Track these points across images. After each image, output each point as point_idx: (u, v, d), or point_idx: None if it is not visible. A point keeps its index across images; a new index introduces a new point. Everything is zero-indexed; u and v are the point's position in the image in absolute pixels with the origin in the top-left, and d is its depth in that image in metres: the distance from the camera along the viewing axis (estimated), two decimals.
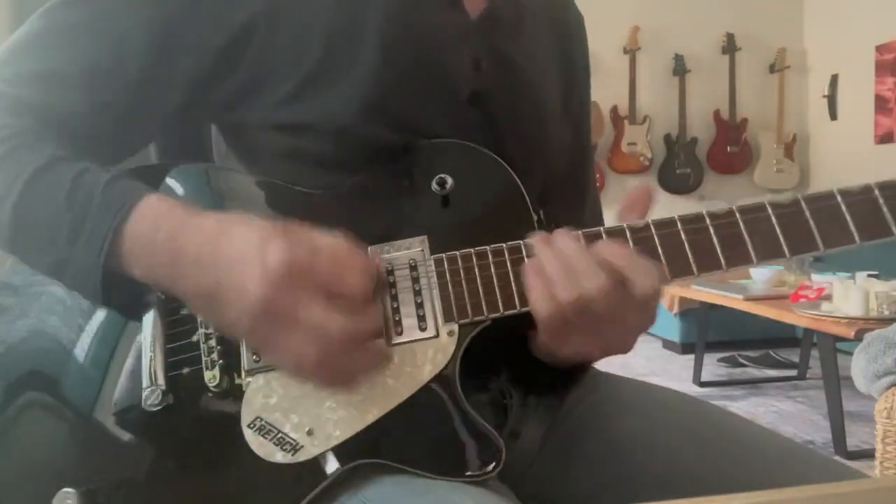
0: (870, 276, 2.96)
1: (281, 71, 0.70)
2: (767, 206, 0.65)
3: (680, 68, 5.30)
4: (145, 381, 0.67)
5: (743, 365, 4.33)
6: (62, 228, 0.62)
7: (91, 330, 0.71)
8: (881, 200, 0.64)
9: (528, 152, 0.78)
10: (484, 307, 0.65)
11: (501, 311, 0.65)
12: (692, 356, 4.08)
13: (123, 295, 0.65)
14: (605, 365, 0.85)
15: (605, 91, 5.12)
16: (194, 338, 0.68)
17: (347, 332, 0.58)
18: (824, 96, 5.31)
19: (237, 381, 0.66)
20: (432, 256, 0.66)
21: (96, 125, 0.70)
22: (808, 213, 0.65)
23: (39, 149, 0.65)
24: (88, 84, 0.68)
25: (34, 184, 0.63)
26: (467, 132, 0.73)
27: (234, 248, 0.58)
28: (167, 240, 0.60)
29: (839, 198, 0.65)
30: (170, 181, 0.73)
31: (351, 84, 0.70)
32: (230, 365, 0.66)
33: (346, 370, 0.61)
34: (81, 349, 0.71)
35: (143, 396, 0.66)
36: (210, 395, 0.66)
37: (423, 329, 0.65)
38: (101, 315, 0.71)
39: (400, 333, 0.65)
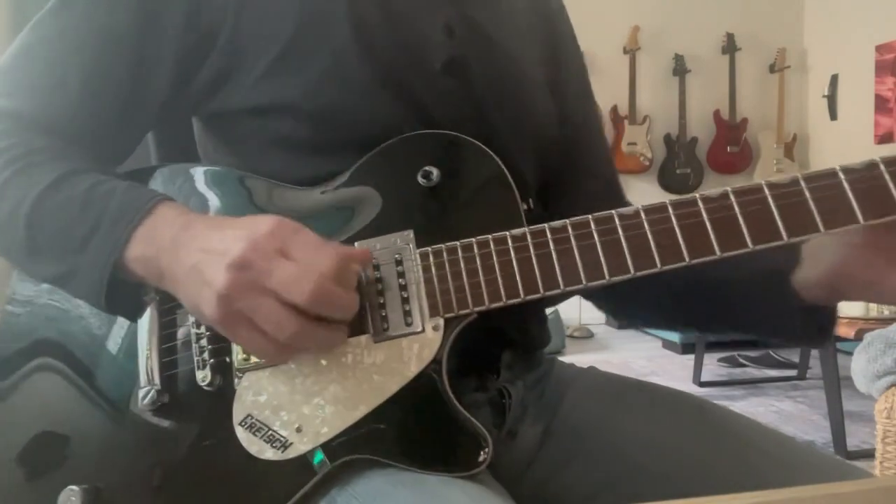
0: None
1: (256, 47, 0.71)
2: (764, 186, 0.61)
3: (680, 68, 5.30)
4: (142, 381, 0.69)
5: (743, 365, 4.33)
6: (74, 238, 0.64)
7: (98, 328, 0.73)
8: (888, 177, 0.60)
9: (511, 122, 0.78)
10: (469, 301, 0.64)
11: (487, 304, 0.64)
12: (692, 356, 4.08)
13: (127, 298, 0.66)
14: (605, 365, 0.86)
15: (605, 91, 5.12)
16: (187, 338, 0.69)
17: (322, 293, 0.58)
18: (824, 96, 5.31)
19: (228, 379, 0.67)
20: (418, 251, 0.66)
21: (97, 125, 0.72)
22: (807, 193, 0.60)
23: (50, 165, 0.67)
24: (86, 84, 0.70)
25: (46, 197, 0.65)
26: (446, 104, 0.73)
27: (231, 224, 0.61)
28: (175, 235, 0.61)
29: (842, 175, 0.60)
30: (157, 182, 0.74)
31: (325, 58, 0.71)
32: (221, 364, 0.67)
33: (315, 339, 0.60)
34: (88, 349, 0.72)
35: (140, 396, 0.68)
36: (203, 394, 0.67)
37: (409, 324, 0.65)
38: (106, 317, 0.72)
39: (386, 329, 0.65)
